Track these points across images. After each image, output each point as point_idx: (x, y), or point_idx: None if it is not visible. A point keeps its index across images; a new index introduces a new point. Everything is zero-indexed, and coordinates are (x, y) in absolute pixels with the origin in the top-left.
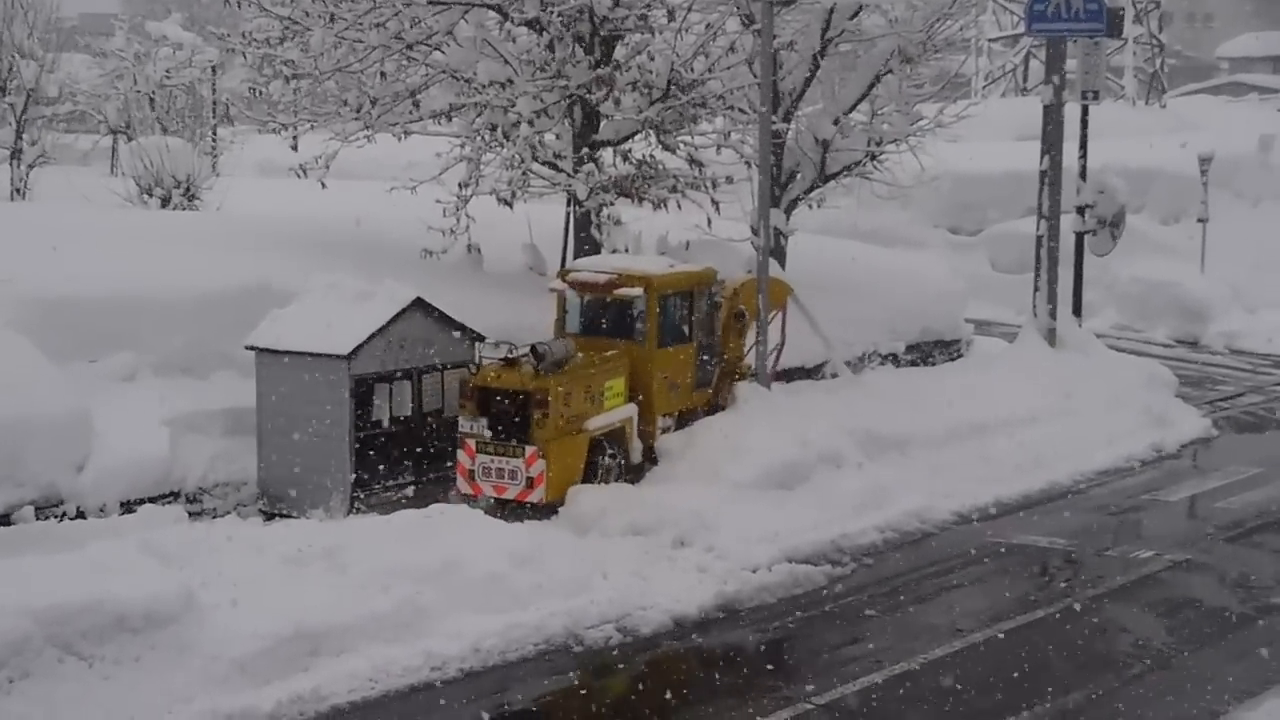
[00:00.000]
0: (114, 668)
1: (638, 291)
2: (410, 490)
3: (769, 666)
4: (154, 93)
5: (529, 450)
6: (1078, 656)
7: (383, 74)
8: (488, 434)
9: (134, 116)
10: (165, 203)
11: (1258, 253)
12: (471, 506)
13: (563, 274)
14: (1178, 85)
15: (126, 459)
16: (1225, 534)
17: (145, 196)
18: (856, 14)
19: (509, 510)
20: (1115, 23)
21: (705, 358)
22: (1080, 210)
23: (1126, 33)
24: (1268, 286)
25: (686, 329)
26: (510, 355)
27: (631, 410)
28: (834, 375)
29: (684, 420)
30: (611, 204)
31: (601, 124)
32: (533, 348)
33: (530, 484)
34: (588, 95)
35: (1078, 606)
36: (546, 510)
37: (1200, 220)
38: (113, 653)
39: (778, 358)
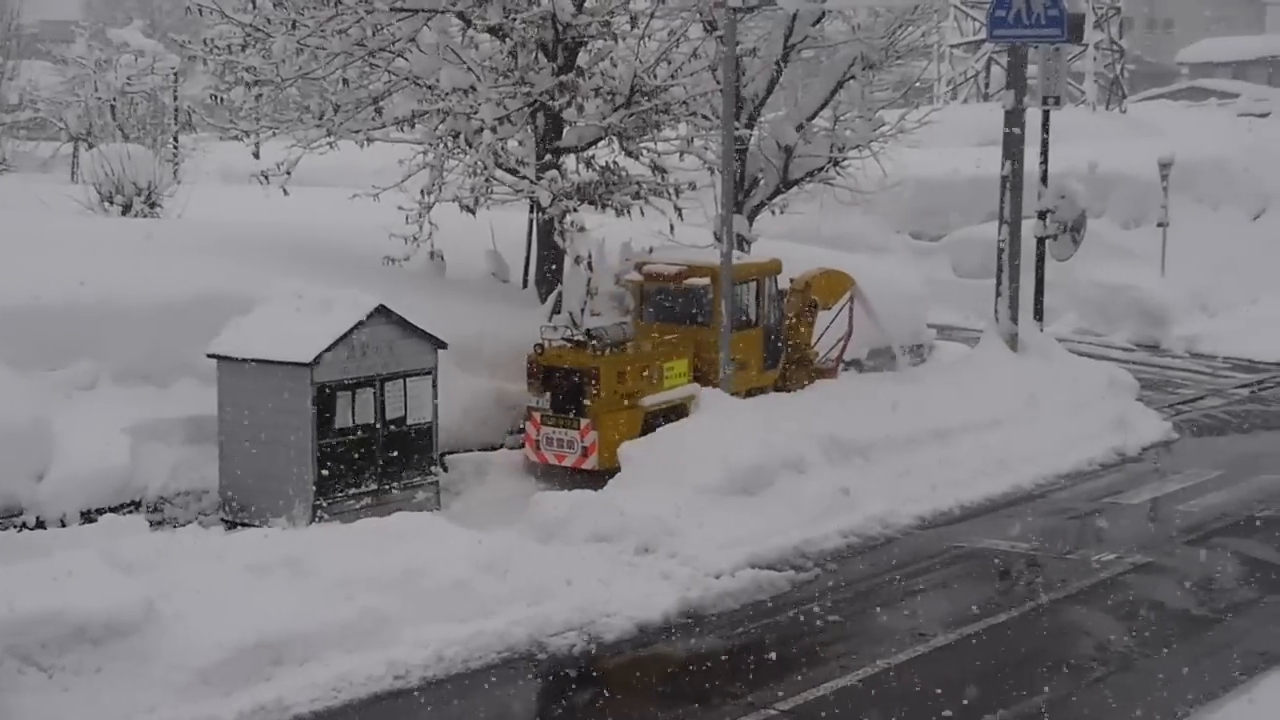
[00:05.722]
0: (74, 679)
1: (704, 281)
2: (372, 498)
3: (733, 672)
4: (115, 100)
5: (583, 422)
6: (1040, 659)
7: (345, 81)
8: (550, 408)
9: (95, 123)
10: (126, 210)
11: (1218, 257)
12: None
13: (638, 266)
14: (1138, 90)
15: (87, 468)
16: (1186, 537)
17: (106, 204)
18: (819, 20)
19: (570, 476)
20: (1076, 29)
21: (772, 341)
22: (1041, 215)
23: (1087, 38)
24: (1227, 290)
25: (753, 315)
26: (571, 337)
27: (693, 389)
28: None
29: (751, 396)
30: (575, 210)
31: (564, 130)
32: (588, 331)
33: (585, 452)
34: (551, 102)
35: (1040, 610)
36: (598, 478)
37: (1160, 225)
38: (73, 663)
39: (844, 347)
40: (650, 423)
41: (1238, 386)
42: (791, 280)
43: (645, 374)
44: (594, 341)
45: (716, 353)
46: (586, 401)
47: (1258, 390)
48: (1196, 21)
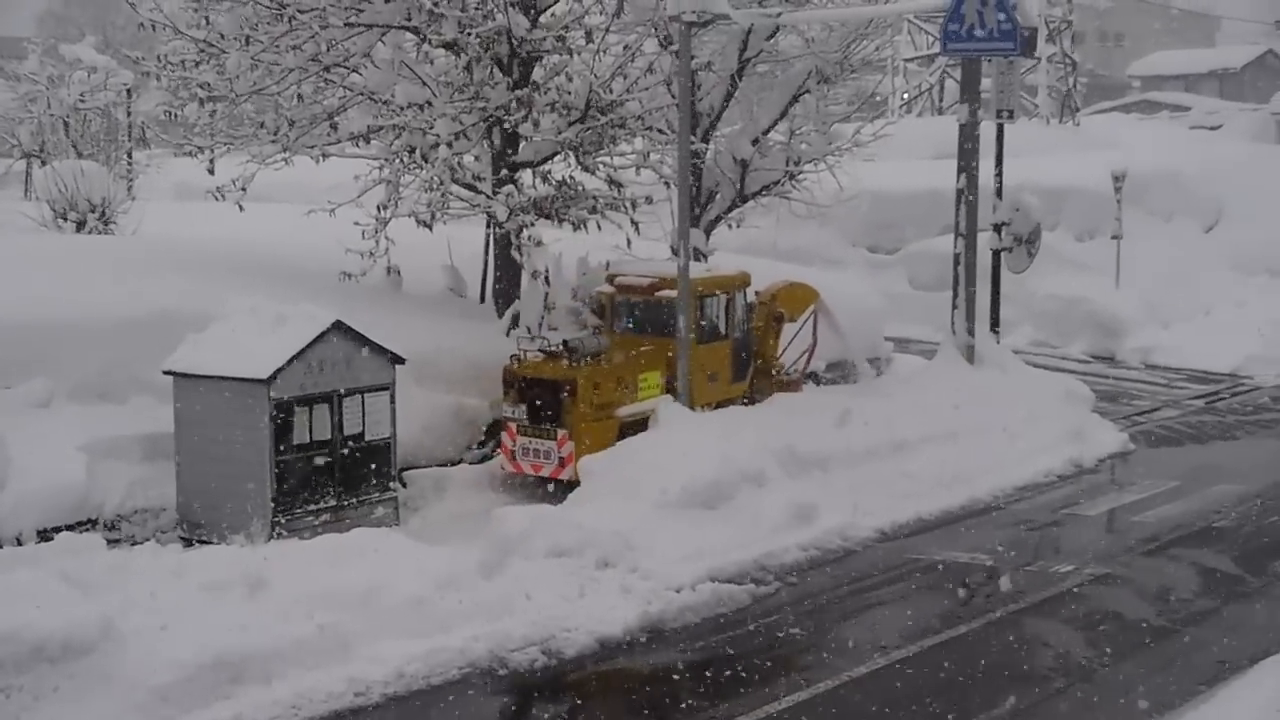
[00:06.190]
0: (31, 699)
1: (676, 293)
2: (330, 515)
3: (694, 686)
4: (68, 116)
5: (560, 433)
6: (1000, 671)
7: (300, 96)
8: (526, 419)
9: (48, 140)
10: (80, 227)
11: (1171, 269)
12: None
13: (610, 278)
14: (1091, 103)
15: (43, 486)
16: (1143, 547)
17: (60, 221)
18: (774, 35)
19: (547, 485)
20: (1029, 42)
21: (741, 353)
22: (997, 228)
23: (1040, 52)
24: (1181, 302)
25: (723, 327)
26: (547, 349)
27: (667, 400)
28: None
29: (720, 408)
30: (531, 225)
31: (520, 145)
32: (564, 342)
33: (562, 463)
34: (506, 117)
35: (999, 621)
36: (566, 489)
37: (1114, 237)
38: (30, 683)
39: (809, 360)
40: (625, 433)
41: (1192, 398)
42: (757, 293)
43: (620, 385)
44: (571, 353)
45: (690, 364)
46: (564, 412)
47: (1212, 401)
48: (1147, 34)
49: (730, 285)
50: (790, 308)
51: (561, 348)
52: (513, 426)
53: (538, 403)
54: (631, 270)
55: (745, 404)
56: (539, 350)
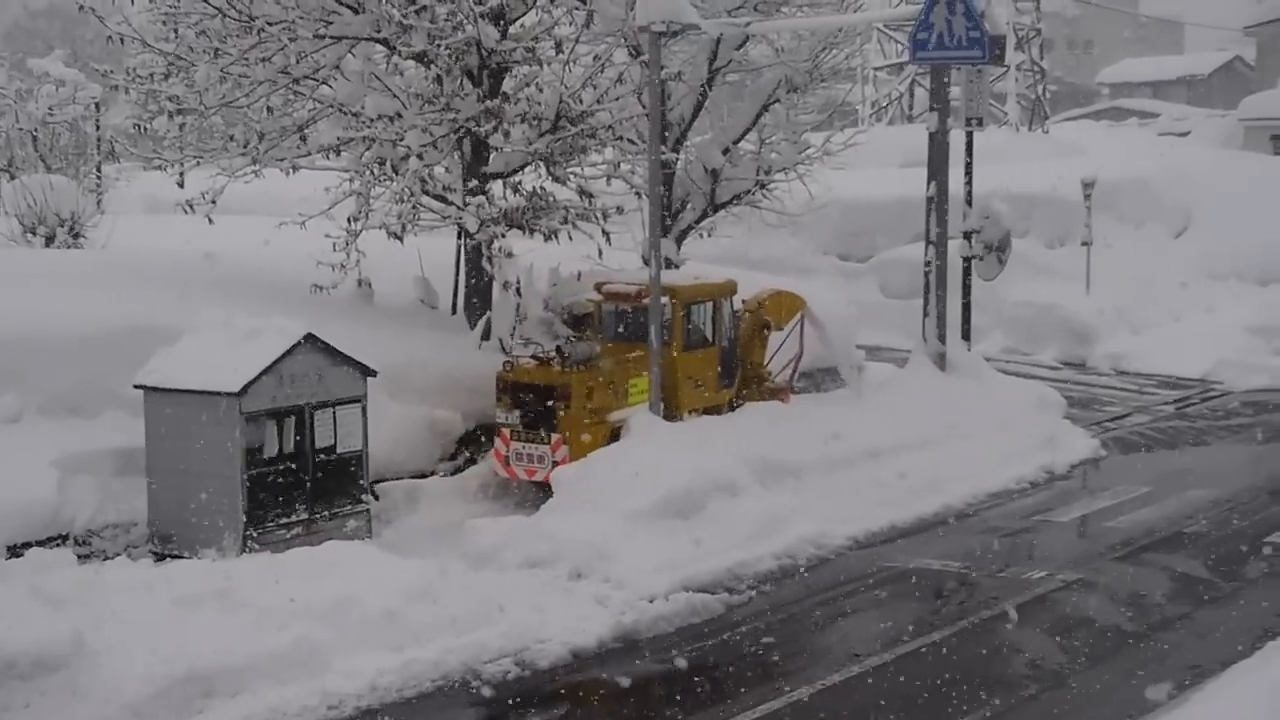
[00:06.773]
0: (3, 715)
1: (663, 300)
2: (303, 528)
3: (668, 696)
4: (36, 130)
5: (554, 437)
6: (973, 678)
7: (269, 109)
8: (520, 424)
9: (16, 154)
10: (49, 241)
11: (1141, 275)
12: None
13: (597, 286)
14: (1060, 111)
15: (13, 502)
16: (1115, 553)
17: (29, 235)
18: (743, 44)
19: (520, 497)
20: (997, 51)
21: (727, 361)
22: (967, 235)
23: (1008, 60)
24: (1152, 308)
25: (710, 334)
26: (539, 355)
27: (641, 409)
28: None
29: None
30: (502, 236)
31: (491, 156)
32: (558, 348)
33: (555, 468)
34: (477, 128)
35: (973, 628)
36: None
37: (1084, 244)
38: (2, 700)
39: (796, 367)
40: (616, 438)
41: (1163, 403)
42: (744, 301)
43: (612, 390)
44: (565, 359)
45: (677, 371)
46: (557, 417)
47: (1183, 407)
48: (1116, 42)
49: (717, 293)
50: (777, 316)
51: (555, 353)
52: (506, 432)
53: (531, 408)
54: (619, 278)
55: (730, 410)
56: (531, 356)
